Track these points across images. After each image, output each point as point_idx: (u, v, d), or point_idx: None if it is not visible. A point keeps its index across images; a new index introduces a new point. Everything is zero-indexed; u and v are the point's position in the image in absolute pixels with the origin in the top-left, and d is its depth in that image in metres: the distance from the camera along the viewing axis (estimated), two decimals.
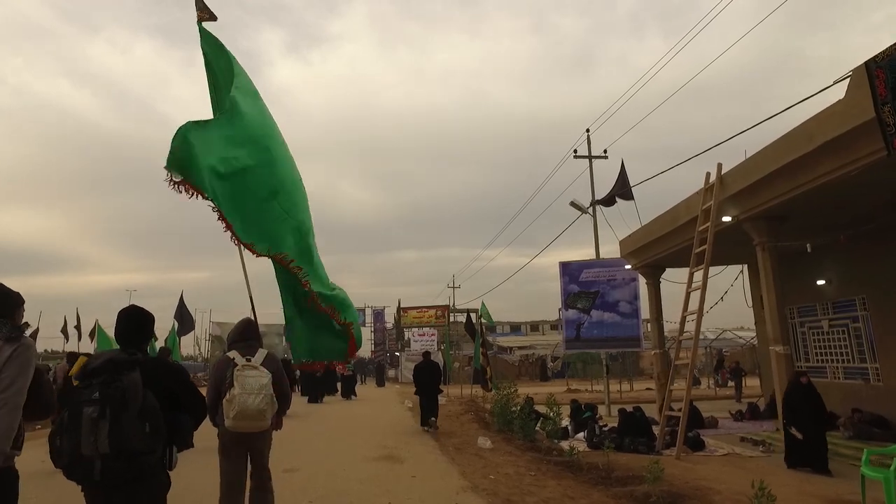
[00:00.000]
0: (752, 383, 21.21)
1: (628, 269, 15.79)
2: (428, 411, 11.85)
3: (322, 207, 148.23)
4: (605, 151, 18.27)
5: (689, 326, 10.36)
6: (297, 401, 19.36)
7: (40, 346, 38.86)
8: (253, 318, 4.46)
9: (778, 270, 9.49)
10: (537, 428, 11.52)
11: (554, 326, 62.26)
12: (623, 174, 16.49)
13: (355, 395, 22.79)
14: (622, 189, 16.23)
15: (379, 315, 44.23)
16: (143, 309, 2.96)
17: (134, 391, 2.51)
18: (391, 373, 40.11)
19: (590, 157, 18.02)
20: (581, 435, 10.49)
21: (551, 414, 9.80)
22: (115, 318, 2.83)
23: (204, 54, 4.52)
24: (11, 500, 2.62)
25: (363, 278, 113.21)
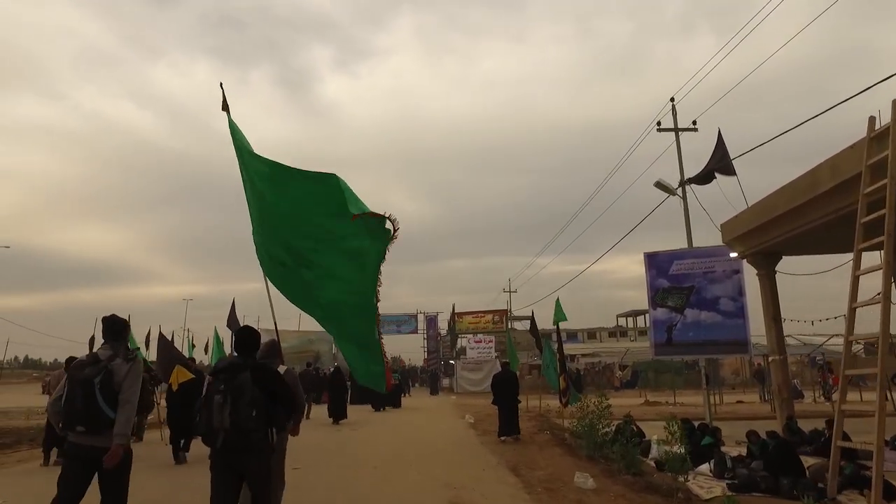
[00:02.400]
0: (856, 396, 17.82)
1: (733, 258, 13.09)
2: (506, 424, 11.54)
3: None
4: (695, 123, 15.65)
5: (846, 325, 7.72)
6: (350, 409, 17.39)
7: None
8: (276, 338, 5.13)
9: None
10: (640, 455, 9.10)
11: (612, 334, 59.08)
12: (721, 145, 13.80)
13: (399, 405, 22.48)
14: (721, 162, 13.54)
15: (432, 321, 41.95)
16: (253, 329, 4.19)
17: (246, 386, 3.65)
18: (445, 382, 37.93)
19: (676, 130, 15.45)
20: (705, 467, 7.98)
21: (669, 437, 7.33)
22: (235, 334, 4.89)
23: (232, 134, 4.90)
24: (126, 472, 3.82)
25: (413, 288, 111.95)
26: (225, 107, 4.79)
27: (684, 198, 14.88)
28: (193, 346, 31.71)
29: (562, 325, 13.94)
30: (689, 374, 32.74)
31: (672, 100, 15.62)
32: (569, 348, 44.88)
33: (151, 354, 18.42)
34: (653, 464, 8.57)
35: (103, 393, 3.68)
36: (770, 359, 12.18)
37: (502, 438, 11.44)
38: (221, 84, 4.77)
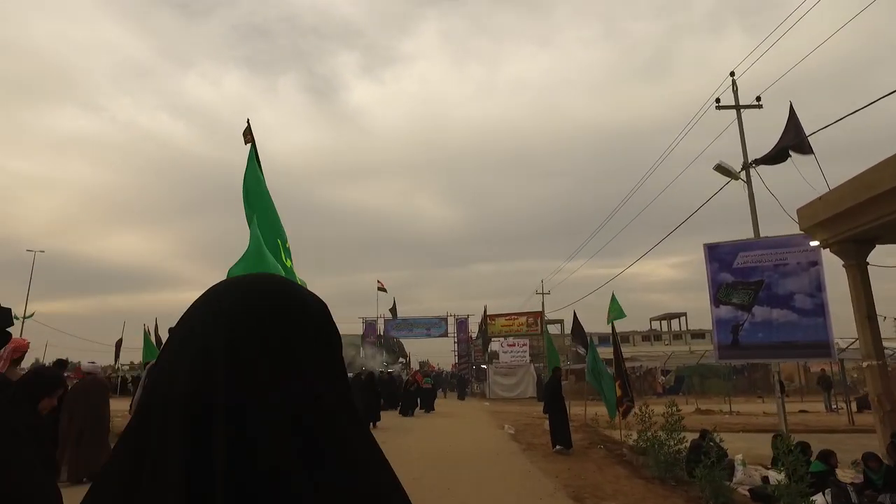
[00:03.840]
0: None
1: (812, 248, 11.41)
2: (556, 433, 10.88)
3: (399, 224, 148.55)
4: (759, 99, 13.99)
5: None
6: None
7: (126, 357, 38.94)
8: None
9: None
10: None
11: (646, 337, 57.12)
12: (794, 120, 12.11)
13: (433, 408, 22.90)
14: (796, 139, 11.86)
15: (462, 324, 40.32)
16: None
17: None
18: (478, 387, 36.45)
19: (737, 107, 13.81)
20: (820, 500, 6.41)
21: (783, 463, 5.81)
22: None
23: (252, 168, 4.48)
24: None
25: (442, 292, 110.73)
26: (249, 139, 4.46)
27: (748, 182, 13.23)
28: None
29: (593, 329, 12.67)
30: (737, 379, 30.62)
31: (732, 74, 14.01)
32: (603, 352, 43.04)
33: None
34: (744, 492, 7.04)
35: None
36: (865, 364, 10.47)
37: (555, 449, 10.82)
38: (248, 121, 4.46)
